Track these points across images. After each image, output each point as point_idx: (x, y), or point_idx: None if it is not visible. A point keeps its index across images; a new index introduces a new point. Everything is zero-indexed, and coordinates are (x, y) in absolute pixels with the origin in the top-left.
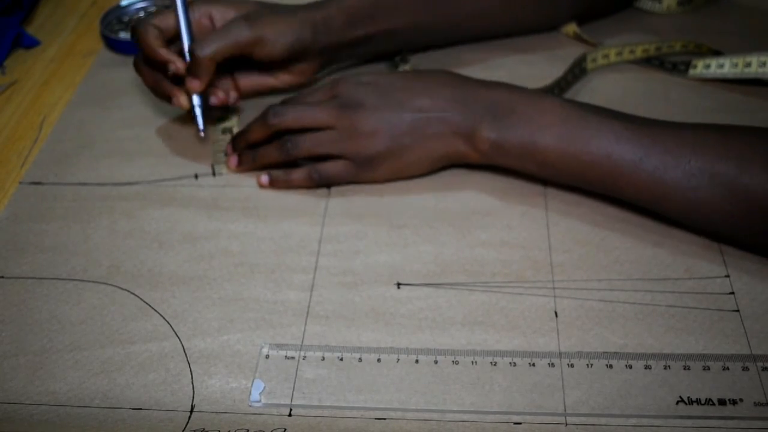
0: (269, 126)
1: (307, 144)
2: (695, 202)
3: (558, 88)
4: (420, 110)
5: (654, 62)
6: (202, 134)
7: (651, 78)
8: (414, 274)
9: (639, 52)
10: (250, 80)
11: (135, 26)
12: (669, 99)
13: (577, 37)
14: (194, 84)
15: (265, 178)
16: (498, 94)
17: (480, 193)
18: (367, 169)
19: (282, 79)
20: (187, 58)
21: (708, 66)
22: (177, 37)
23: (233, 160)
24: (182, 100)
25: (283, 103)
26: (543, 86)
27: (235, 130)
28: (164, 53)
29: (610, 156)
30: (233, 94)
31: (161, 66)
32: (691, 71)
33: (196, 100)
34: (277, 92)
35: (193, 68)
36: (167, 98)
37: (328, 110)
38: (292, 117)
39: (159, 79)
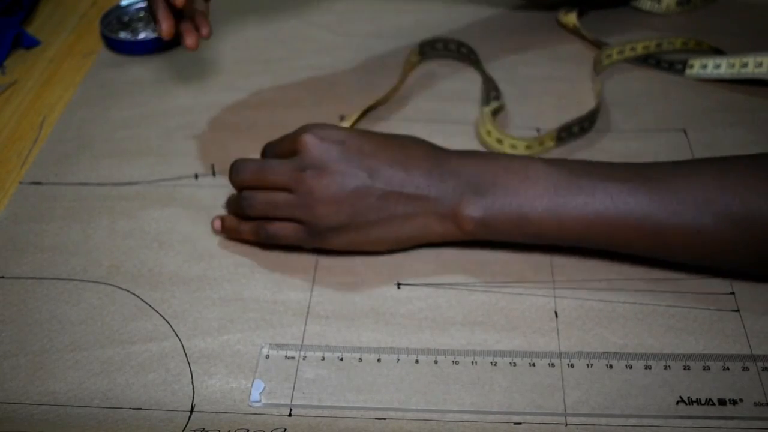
0: (231, 182)
1: (261, 205)
2: (702, 241)
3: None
4: (390, 184)
5: (651, 61)
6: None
7: (650, 78)
8: (414, 274)
9: (640, 49)
10: None
11: None
12: (668, 98)
13: (576, 32)
14: None
15: (217, 222)
16: (477, 166)
17: None
18: (321, 239)
19: None
20: None
21: (705, 66)
22: None
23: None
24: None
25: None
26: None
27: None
28: None
29: (609, 218)
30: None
31: None
32: (688, 71)
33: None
34: None
35: None
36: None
37: (287, 170)
38: (251, 175)
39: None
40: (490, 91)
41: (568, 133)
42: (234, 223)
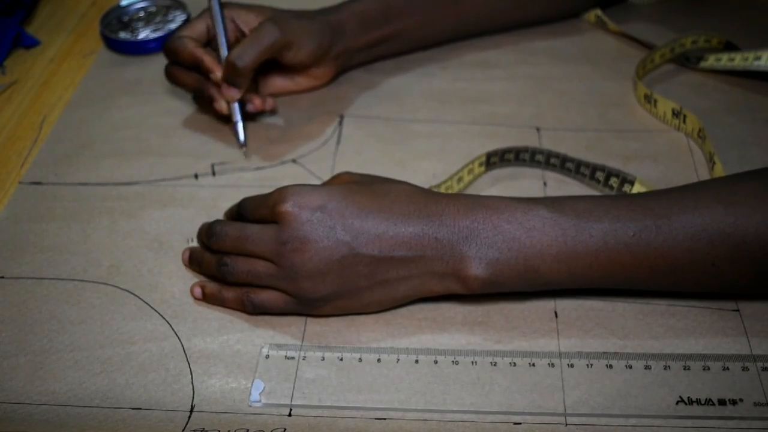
0: (209, 246)
1: (243, 274)
2: (717, 273)
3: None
4: (380, 250)
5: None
6: (244, 149)
7: (650, 79)
8: None
9: (678, 49)
10: (272, 85)
11: (170, 43)
12: (669, 98)
13: (599, 22)
14: (233, 92)
15: (197, 290)
16: (475, 219)
17: (479, 193)
18: (310, 309)
19: (300, 83)
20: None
21: (719, 60)
22: (208, 45)
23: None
24: (223, 105)
25: (240, 206)
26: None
27: None
28: (209, 61)
29: (623, 263)
30: (270, 101)
31: (203, 72)
32: (702, 63)
33: (236, 115)
34: (294, 93)
35: (231, 77)
36: (208, 102)
37: (267, 242)
38: (230, 243)
39: (203, 82)
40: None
41: (499, 158)
42: (215, 290)
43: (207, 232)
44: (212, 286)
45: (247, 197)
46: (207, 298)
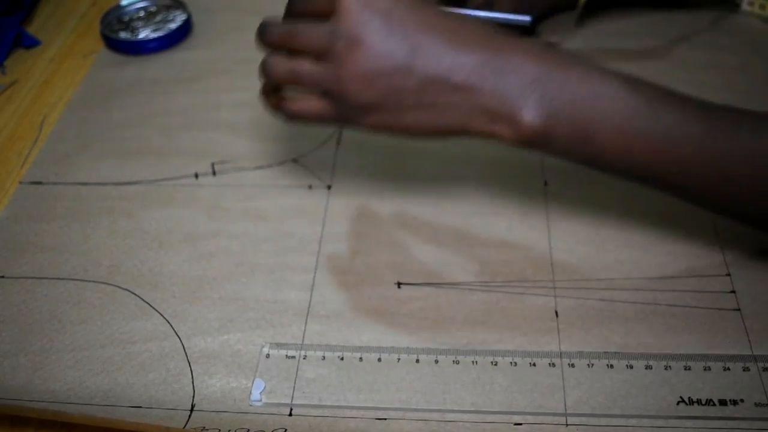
0: (258, 45)
1: (283, 72)
2: (762, 184)
3: None
4: (436, 68)
5: None
6: None
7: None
8: (414, 274)
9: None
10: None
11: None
12: None
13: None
14: None
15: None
16: (547, 67)
17: (480, 193)
18: (350, 118)
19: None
20: None
21: (763, 6)
22: None
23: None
24: None
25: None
26: None
27: None
28: None
29: (684, 158)
30: None
31: None
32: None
33: None
34: None
35: None
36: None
37: (319, 37)
38: (278, 37)
39: None
40: None
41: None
42: (263, 92)
43: (257, 32)
44: (264, 87)
45: None
46: (262, 96)
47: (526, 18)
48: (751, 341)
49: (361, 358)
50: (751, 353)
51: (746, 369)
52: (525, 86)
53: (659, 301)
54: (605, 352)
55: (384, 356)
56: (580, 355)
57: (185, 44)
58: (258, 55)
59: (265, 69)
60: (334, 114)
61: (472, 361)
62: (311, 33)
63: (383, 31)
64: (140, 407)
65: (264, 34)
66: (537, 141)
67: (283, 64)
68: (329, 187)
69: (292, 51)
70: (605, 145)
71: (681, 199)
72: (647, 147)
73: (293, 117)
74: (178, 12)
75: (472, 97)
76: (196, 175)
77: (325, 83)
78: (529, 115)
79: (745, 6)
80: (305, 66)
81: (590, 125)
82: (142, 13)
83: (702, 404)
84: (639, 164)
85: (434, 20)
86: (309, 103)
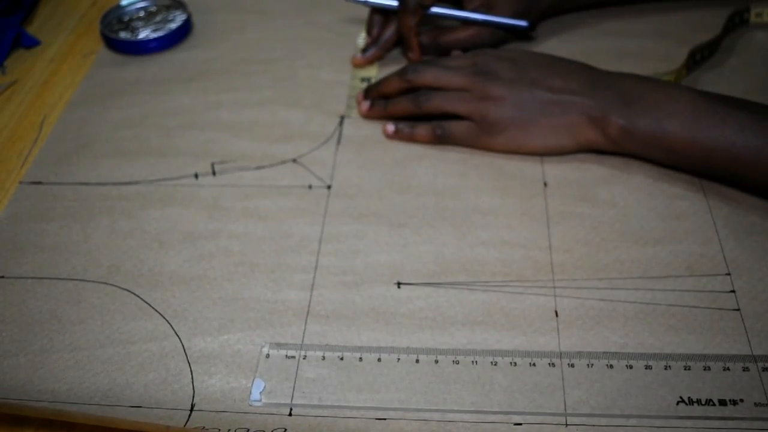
0: (407, 81)
1: (438, 99)
2: None
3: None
4: (551, 90)
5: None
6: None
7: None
8: (414, 274)
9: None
10: None
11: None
12: None
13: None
14: None
15: (391, 127)
16: (627, 82)
17: (480, 192)
18: (488, 134)
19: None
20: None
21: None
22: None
23: (365, 105)
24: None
25: (423, 63)
26: (697, 45)
27: (373, 81)
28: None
29: (734, 144)
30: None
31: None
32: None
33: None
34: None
35: None
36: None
37: (463, 74)
38: (431, 75)
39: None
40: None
41: (693, 61)
42: (406, 126)
43: (405, 69)
44: (403, 123)
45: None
46: (398, 134)
47: (523, 22)
48: (750, 341)
49: (360, 358)
50: (750, 353)
51: (746, 369)
52: (612, 97)
53: (659, 301)
54: (605, 352)
55: (384, 356)
56: (580, 355)
57: (185, 44)
58: (258, 55)
59: (422, 100)
60: (476, 133)
61: (472, 361)
62: (457, 73)
63: (511, 69)
64: (140, 407)
65: (417, 73)
66: (623, 139)
67: (439, 95)
68: (329, 187)
69: (437, 87)
70: (675, 138)
71: (748, 192)
72: (707, 137)
73: (446, 134)
74: (178, 12)
75: (577, 106)
76: (196, 175)
77: (470, 105)
78: (615, 116)
79: (753, 18)
80: (455, 94)
81: (661, 121)
82: (142, 13)
83: (702, 404)
84: (703, 155)
85: (548, 62)
86: (459, 124)
